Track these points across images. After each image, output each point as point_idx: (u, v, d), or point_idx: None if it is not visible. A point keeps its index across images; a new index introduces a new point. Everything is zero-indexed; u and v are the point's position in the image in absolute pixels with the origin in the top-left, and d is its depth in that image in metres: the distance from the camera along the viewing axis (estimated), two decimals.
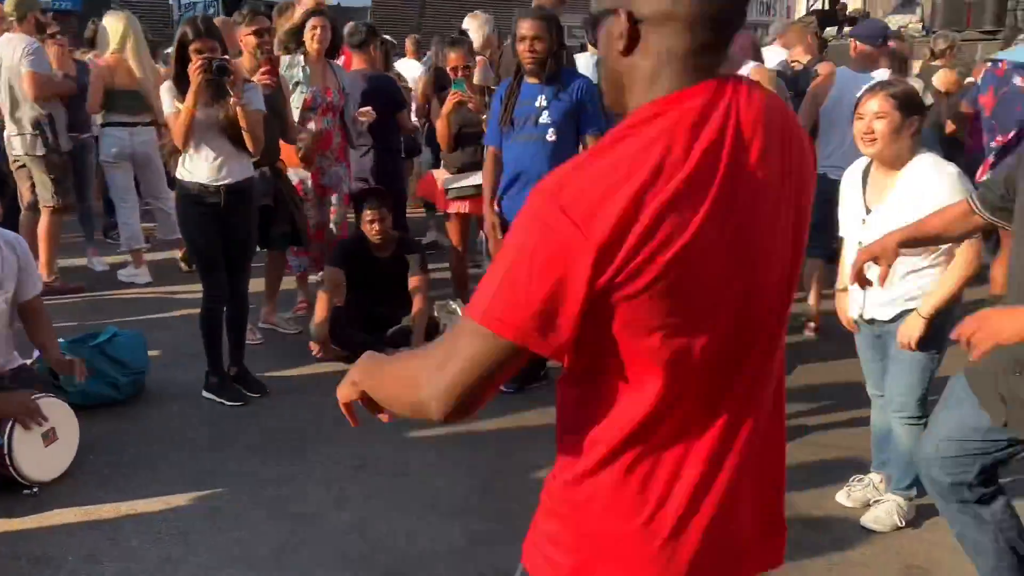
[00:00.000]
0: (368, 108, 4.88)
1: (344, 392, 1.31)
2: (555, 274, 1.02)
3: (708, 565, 1.17)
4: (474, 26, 5.72)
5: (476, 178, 4.40)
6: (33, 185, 5.38)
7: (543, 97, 3.79)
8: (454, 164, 4.72)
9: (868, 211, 2.84)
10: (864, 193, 2.87)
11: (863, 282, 2.39)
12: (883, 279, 2.45)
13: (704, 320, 1.08)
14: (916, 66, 7.01)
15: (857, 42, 4.82)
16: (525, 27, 3.74)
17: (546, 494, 1.24)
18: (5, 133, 5.29)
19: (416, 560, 2.77)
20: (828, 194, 4.92)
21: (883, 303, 2.84)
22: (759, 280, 1.12)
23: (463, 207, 4.70)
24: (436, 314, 4.56)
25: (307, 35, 4.68)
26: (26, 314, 3.41)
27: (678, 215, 1.02)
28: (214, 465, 3.37)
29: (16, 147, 5.24)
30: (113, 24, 5.51)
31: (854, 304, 2.94)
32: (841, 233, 3.08)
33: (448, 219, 4.90)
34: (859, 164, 2.96)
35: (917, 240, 2.41)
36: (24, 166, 5.31)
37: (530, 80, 3.82)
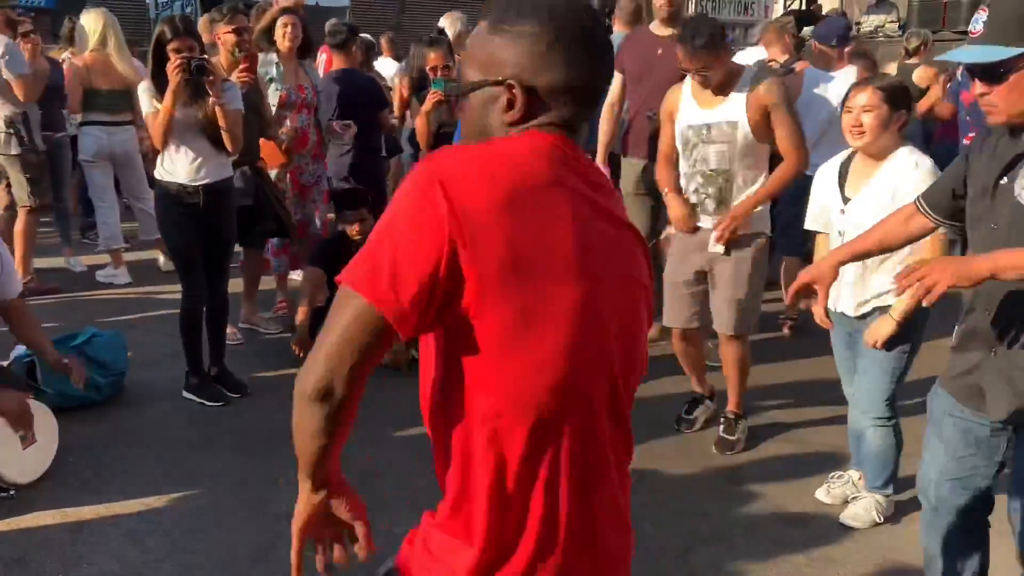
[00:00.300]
0: (350, 122, 4.85)
1: None
2: (420, 243, 1.06)
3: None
4: (448, 23, 5.73)
5: None
6: (8, 185, 5.31)
7: None
8: None
9: (846, 201, 2.87)
10: (843, 185, 2.90)
11: (793, 301, 2.35)
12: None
13: (550, 334, 1.11)
14: (892, 67, 7.09)
15: (815, 42, 4.88)
16: None
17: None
18: None
19: None
20: (801, 190, 4.97)
21: (854, 298, 2.88)
22: (609, 306, 1.18)
23: None
24: None
25: (278, 33, 4.68)
26: (9, 315, 3.38)
27: (541, 218, 1.10)
28: (195, 465, 3.35)
29: None
30: (91, 22, 5.45)
31: (831, 299, 2.96)
32: (808, 226, 3.09)
33: None
34: (836, 159, 2.99)
35: (856, 256, 2.35)
36: None
37: None
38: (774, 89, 3.27)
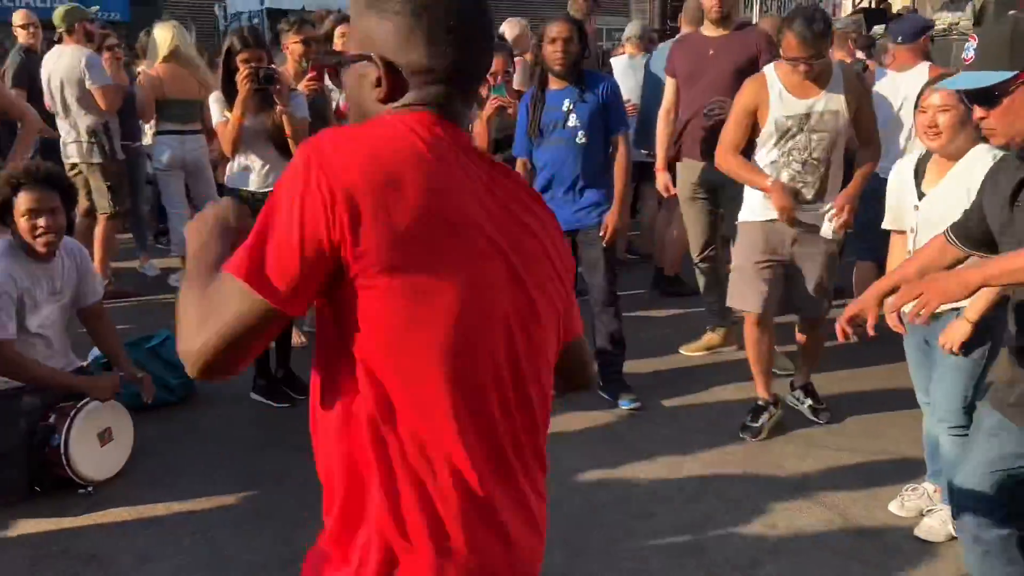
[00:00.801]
0: None
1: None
2: (301, 226, 1.04)
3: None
4: (507, 29, 5.77)
5: None
6: (89, 192, 5.52)
7: (568, 101, 3.80)
8: None
9: (921, 196, 2.80)
10: (919, 182, 2.84)
11: (846, 335, 2.39)
12: (894, 323, 2.58)
13: (440, 314, 1.08)
14: None
15: (889, 43, 4.73)
16: (556, 29, 3.78)
17: None
18: (60, 140, 5.43)
19: None
20: (878, 193, 4.86)
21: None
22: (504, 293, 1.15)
23: None
24: None
25: (337, 43, 4.75)
26: (89, 320, 3.52)
27: (422, 193, 1.07)
28: (261, 465, 3.42)
29: (72, 154, 5.38)
30: (162, 34, 5.64)
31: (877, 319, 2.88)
32: (885, 225, 3.04)
33: None
34: (911, 158, 2.95)
35: (898, 285, 2.30)
36: (80, 173, 5.45)
37: (553, 86, 3.85)
38: (864, 81, 3.57)
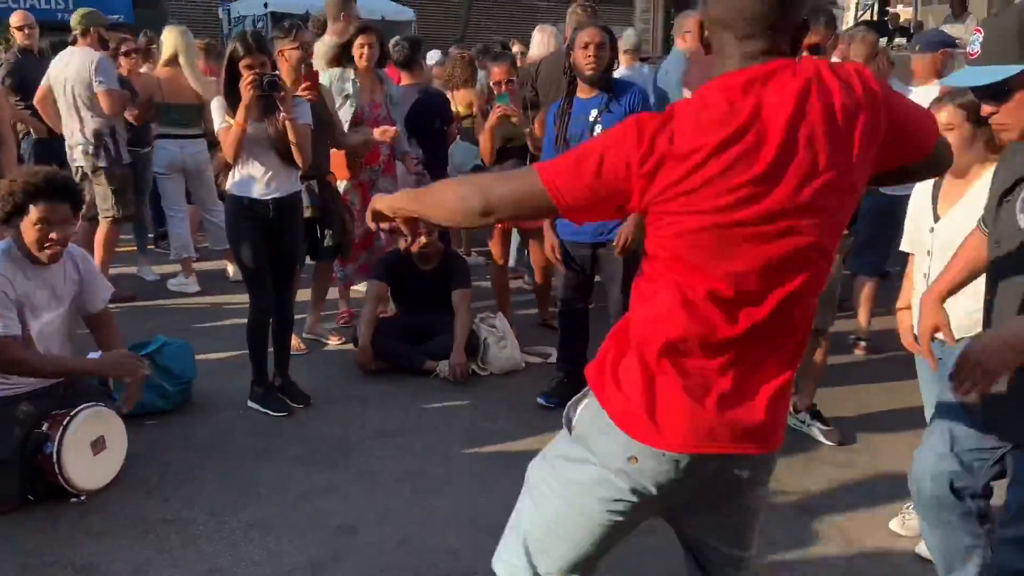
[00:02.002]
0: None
1: (380, 204, 1.71)
2: (613, 166, 1.44)
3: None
4: (538, 39, 5.77)
5: None
6: (91, 195, 5.50)
7: (595, 111, 3.76)
8: None
9: (937, 219, 2.77)
10: (935, 203, 2.81)
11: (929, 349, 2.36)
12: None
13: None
14: None
15: (910, 52, 4.73)
16: (589, 34, 3.74)
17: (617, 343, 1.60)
18: (67, 144, 5.42)
19: None
20: (880, 210, 4.79)
21: (959, 326, 2.75)
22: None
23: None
24: (476, 327, 4.55)
25: (356, 52, 4.73)
26: (95, 325, 3.49)
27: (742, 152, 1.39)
28: (258, 475, 3.39)
29: (78, 158, 5.37)
30: (167, 39, 5.64)
31: (918, 320, 2.84)
32: (904, 247, 3.00)
33: (489, 234, 4.90)
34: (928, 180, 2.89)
35: (956, 287, 2.33)
36: (85, 176, 5.44)
37: (581, 95, 3.81)
38: None
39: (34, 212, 3.09)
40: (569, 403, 1.68)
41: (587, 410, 1.61)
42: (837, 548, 2.96)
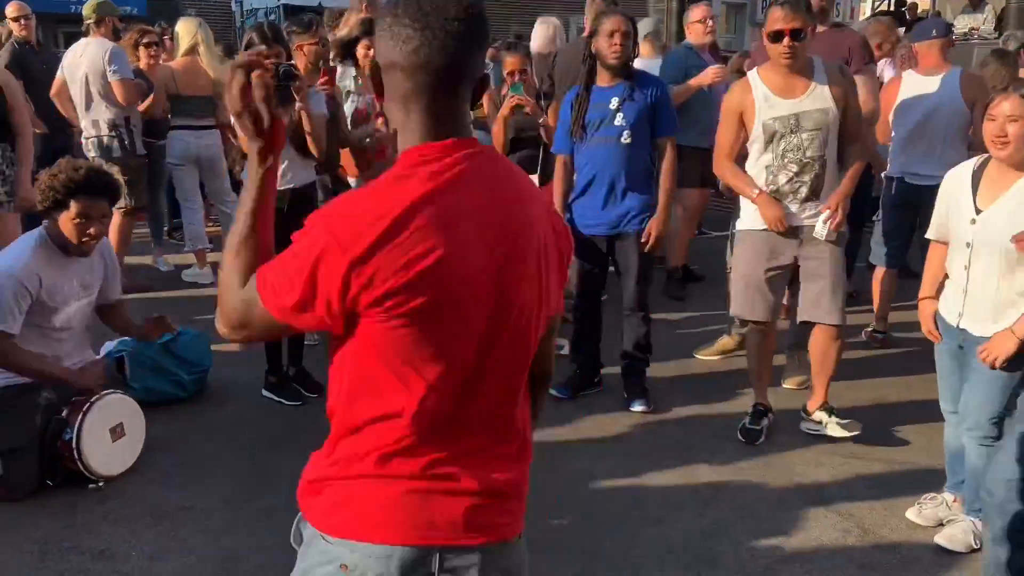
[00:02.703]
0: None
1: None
2: (312, 273, 1.23)
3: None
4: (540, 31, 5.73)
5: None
6: None
7: (616, 99, 3.74)
8: None
9: (978, 211, 2.72)
10: (975, 194, 2.74)
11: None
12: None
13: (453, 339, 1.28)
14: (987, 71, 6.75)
15: (914, 43, 4.67)
16: (614, 22, 3.72)
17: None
18: (83, 135, 5.44)
19: None
20: (904, 199, 4.73)
21: (986, 320, 2.72)
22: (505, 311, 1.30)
23: None
24: None
25: (360, 51, 4.73)
26: (108, 315, 3.54)
27: (431, 239, 1.20)
28: (272, 463, 3.40)
29: (92, 149, 5.39)
30: (184, 30, 5.65)
31: (952, 311, 2.82)
32: (929, 234, 2.96)
33: None
34: (967, 165, 2.83)
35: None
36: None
37: (602, 83, 3.79)
38: (849, 75, 3.46)
39: (74, 207, 3.11)
40: None
41: None
42: (854, 539, 2.95)
